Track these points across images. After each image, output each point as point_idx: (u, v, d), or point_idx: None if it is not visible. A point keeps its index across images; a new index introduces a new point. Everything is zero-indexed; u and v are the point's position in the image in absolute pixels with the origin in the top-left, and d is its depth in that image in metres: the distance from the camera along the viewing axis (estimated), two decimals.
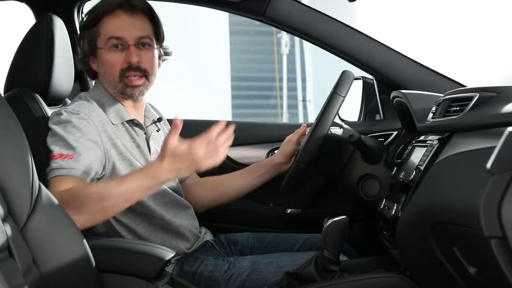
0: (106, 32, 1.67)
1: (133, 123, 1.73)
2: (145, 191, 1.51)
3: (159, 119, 1.84)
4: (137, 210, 1.66)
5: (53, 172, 1.55)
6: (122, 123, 1.70)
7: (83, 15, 2.26)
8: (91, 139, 1.60)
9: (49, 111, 1.71)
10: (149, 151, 1.75)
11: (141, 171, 1.49)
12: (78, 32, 2.24)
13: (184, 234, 1.75)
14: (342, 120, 2.19)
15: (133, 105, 1.75)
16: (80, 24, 1.72)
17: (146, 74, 1.69)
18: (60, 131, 1.59)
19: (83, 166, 1.56)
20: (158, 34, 1.73)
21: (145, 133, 1.77)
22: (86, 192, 1.48)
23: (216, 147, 1.49)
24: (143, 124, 1.77)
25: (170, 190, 1.75)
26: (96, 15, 1.69)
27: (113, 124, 1.67)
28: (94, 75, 1.78)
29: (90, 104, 1.68)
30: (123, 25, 1.67)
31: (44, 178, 1.59)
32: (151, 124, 1.80)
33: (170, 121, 1.94)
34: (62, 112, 1.63)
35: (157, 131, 1.82)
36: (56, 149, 1.57)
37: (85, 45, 1.72)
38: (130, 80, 1.68)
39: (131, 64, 1.66)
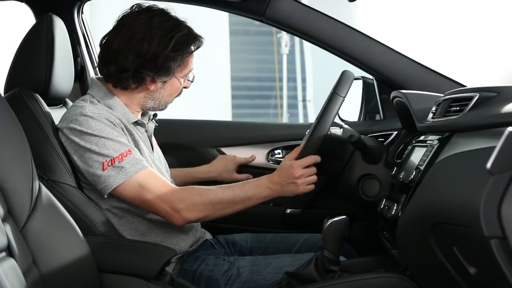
0: (189, 64, 1.75)
1: (136, 123, 1.75)
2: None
3: (155, 115, 1.85)
4: (138, 207, 1.67)
5: (130, 170, 1.58)
6: (128, 124, 1.71)
7: (82, 15, 2.28)
8: (121, 134, 1.65)
9: (49, 111, 1.71)
10: (152, 149, 1.78)
11: (253, 181, 1.68)
12: (79, 32, 2.25)
13: (184, 230, 1.75)
14: (342, 120, 2.19)
15: (139, 110, 1.78)
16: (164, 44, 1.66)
17: None
18: (98, 133, 1.60)
19: (141, 155, 1.64)
20: None
21: (146, 131, 1.79)
22: (204, 196, 1.62)
23: (311, 174, 1.67)
24: (145, 123, 1.79)
25: None
26: (190, 49, 1.71)
27: (122, 124, 1.69)
28: (121, 84, 1.71)
29: (100, 106, 1.68)
30: None
31: (49, 180, 1.60)
32: (149, 121, 1.82)
33: (164, 121, 1.94)
34: (80, 118, 1.62)
35: (155, 127, 1.86)
36: (110, 151, 1.59)
37: (172, 71, 1.69)
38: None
39: (186, 88, 1.79)
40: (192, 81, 1.80)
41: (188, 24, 1.73)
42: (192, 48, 1.72)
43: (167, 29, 1.66)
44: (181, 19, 1.72)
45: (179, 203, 1.60)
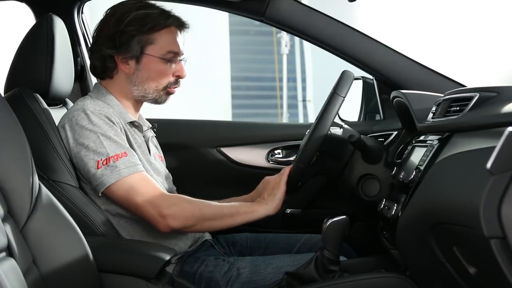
0: (165, 44, 1.71)
1: (133, 124, 1.75)
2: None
3: (154, 125, 1.86)
4: (126, 209, 1.67)
5: (124, 171, 1.58)
6: (124, 124, 1.71)
7: (82, 15, 2.28)
8: (119, 134, 1.64)
9: (49, 111, 1.71)
10: (149, 152, 1.77)
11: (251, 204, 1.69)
12: (79, 32, 2.25)
13: None
14: (342, 120, 2.19)
15: (134, 109, 1.78)
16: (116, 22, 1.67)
17: None
18: (97, 130, 1.60)
19: (138, 159, 1.63)
20: None
21: (143, 136, 1.79)
22: (202, 209, 1.62)
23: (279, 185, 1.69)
24: (142, 125, 1.78)
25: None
26: (155, 25, 1.69)
27: (121, 124, 1.69)
28: (103, 74, 1.74)
29: (101, 103, 1.69)
30: (177, 41, 1.74)
31: (50, 180, 1.60)
32: (147, 129, 1.82)
33: (164, 121, 1.94)
34: (81, 114, 1.63)
35: (153, 136, 1.86)
36: (107, 149, 1.59)
37: (134, 47, 1.68)
38: (172, 90, 1.75)
39: (180, 78, 1.75)
40: (183, 77, 1.76)
41: (169, 11, 1.72)
42: (160, 26, 1.70)
43: (129, 9, 1.69)
44: (161, 6, 1.72)
45: (166, 209, 1.59)
